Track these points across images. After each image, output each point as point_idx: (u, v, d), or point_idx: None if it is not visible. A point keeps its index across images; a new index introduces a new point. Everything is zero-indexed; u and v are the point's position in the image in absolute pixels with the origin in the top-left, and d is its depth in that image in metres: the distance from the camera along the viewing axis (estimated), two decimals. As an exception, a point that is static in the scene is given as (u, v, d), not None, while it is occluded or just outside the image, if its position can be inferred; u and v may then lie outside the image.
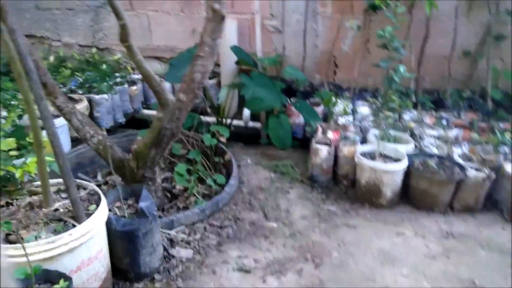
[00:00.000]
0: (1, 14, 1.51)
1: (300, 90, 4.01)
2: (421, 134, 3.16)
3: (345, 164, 3.02)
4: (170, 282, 2.21)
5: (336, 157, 3.07)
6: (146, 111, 4.35)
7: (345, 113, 3.45)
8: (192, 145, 3.35)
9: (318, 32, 4.06)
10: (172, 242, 2.50)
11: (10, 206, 2.03)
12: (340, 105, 3.55)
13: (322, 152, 3.00)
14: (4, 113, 2.96)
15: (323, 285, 2.17)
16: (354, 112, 3.59)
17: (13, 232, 1.79)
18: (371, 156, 2.90)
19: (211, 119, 3.89)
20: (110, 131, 3.82)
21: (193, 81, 2.35)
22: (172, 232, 2.57)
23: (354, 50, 3.94)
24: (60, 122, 3.09)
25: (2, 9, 1.46)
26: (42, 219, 1.90)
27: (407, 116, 3.49)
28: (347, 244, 2.49)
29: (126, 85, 4.11)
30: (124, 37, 1.73)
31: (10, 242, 1.77)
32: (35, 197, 2.10)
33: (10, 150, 2.29)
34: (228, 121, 3.89)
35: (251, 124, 4.15)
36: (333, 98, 3.52)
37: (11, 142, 2.26)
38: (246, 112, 4.11)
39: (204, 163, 3.25)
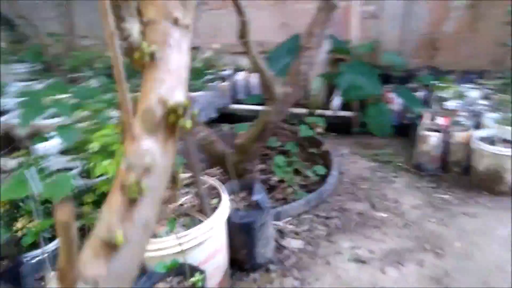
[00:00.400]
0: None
1: (396, 76, 3.83)
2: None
3: (458, 150, 2.83)
4: (285, 273, 2.24)
5: (446, 143, 2.88)
6: (235, 106, 4.46)
7: (458, 97, 3.21)
8: (287, 137, 3.37)
9: (418, 15, 3.84)
10: (281, 233, 2.53)
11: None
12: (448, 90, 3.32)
13: (432, 139, 2.84)
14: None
15: (448, 276, 2.06)
16: (461, 96, 3.35)
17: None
18: (489, 141, 2.68)
19: (301, 110, 3.88)
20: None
21: (299, 73, 2.34)
22: (281, 224, 2.61)
23: (458, 31, 3.67)
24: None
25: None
26: (171, 214, 2.02)
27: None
28: (469, 233, 2.33)
29: (217, 82, 4.24)
30: (243, 33, 1.77)
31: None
32: (161, 192, 2.24)
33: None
34: (320, 111, 3.85)
35: (341, 113, 4.07)
36: (445, 83, 3.28)
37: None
38: (337, 101, 4.03)
39: (300, 154, 3.25)
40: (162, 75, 0.35)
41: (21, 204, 1.88)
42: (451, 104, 3.21)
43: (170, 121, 0.35)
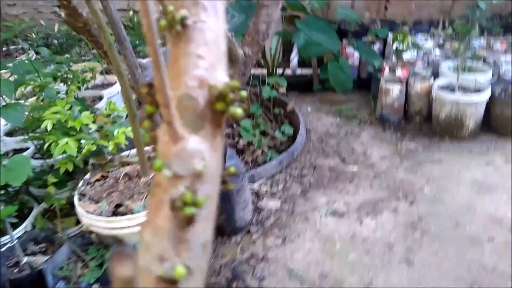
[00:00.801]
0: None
1: (351, 31, 3.83)
2: (496, 61, 3.00)
3: (418, 100, 2.92)
4: (266, 232, 2.24)
5: (407, 94, 2.96)
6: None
7: (413, 47, 3.25)
8: (250, 99, 3.30)
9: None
10: (258, 195, 2.52)
11: (107, 179, 2.05)
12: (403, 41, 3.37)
13: (393, 91, 2.90)
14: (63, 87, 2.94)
15: (422, 220, 2.16)
16: (416, 46, 3.42)
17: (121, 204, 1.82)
18: (448, 89, 2.78)
19: (259, 71, 3.80)
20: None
21: (258, 33, 2.24)
22: (256, 186, 2.58)
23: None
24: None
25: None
26: (144, 189, 1.92)
27: (475, 44, 3.30)
28: (437, 179, 2.45)
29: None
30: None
31: (120, 214, 1.79)
32: (127, 168, 2.11)
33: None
34: (279, 71, 3.79)
35: (299, 71, 4.05)
36: (401, 34, 3.31)
37: (89, 115, 2.24)
38: (295, 59, 3.99)
39: (264, 116, 3.21)
40: (198, 49, 0.26)
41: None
42: (408, 56, 3.27)
43: (217, 110, 0.27)
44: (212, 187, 0.28)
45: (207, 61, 0.29)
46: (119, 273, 0.21)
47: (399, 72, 2.96)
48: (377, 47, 3.58)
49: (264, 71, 3.77)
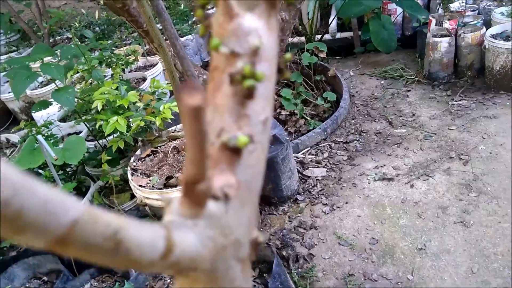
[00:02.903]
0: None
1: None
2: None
3: (469, 53, 2.72)
4: (314, 201, 2.24)
5: (456, 48, 2.77)
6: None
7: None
8: (290, 68, 3.24)
9: None
10: (303, 164, 2.50)
11: (157, 154, 2.12)
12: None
13: (442, 44, 2.72)
14: (109, 71, 3.04)
15: (478, 180, 2.05)
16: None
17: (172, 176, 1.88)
18: (503, 37, 2.56)
19: (297, 39, 3.71)
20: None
21: (293, -5, 2.18)
22: (300, 155, 2.57)
23: None
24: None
25: None
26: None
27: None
28: (492, 136, 2.30)
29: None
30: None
31: (171, 186, 1.86)
32: (175, 142, 2.17)
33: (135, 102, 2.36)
34: (318, 36, 3.67)
35: (339, 35, 3.91)
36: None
37: (135, 94, 2.31)
38: (333, 23, 3.84)
39: (305, 84, 3.14)
40: None
41: (41, 172, 1.81)
42: (455, 5, 3.04)
43: None
44: (269, 67, 0.28)
45: None
46: (188, 102, 0.21)
47: (447, 24, 2.76)
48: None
49: (303, 38, 3.68)
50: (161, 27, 1.62)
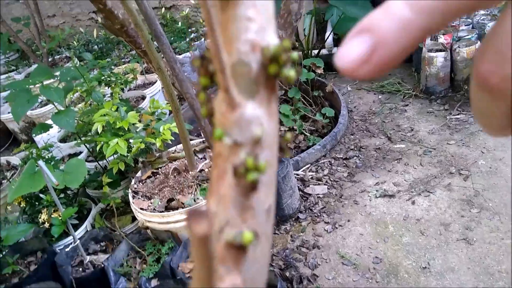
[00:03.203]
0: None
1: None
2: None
3: (465, 67, 2.75)
4: (316, 219, 2.23)
5: (452, 62, 2.80)
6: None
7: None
8: (287, 84, 3.26)
9: None
10: (303, 181, 2.50)
11: (158, 175, 2.12)
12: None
13: (438, 59, 2.75)
14: (108, 90, 3.05)
15: (479, 195, 2.06)
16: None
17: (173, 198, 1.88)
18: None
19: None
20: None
21: (290, 13, 2.20)
22: (301, 172, 2.57)
23: None
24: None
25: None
26: (193, 182, 1.97)
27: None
28: (492, 150, 2.31)
29: (203, 39, 4.05)
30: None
31: (172, 208, 1.85)
32: (175, 163, 2.17)
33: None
34: (315, 52, 3.71)
35: (335, 50, 3.94)
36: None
37: (135, 115, 2.32)
38: (329, 38, 3.89)
39: (303, 100, 3.16)
40: (247, 11, 0.25)
41: (42, 196, 1.81)
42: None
43: (270, 73, 0.26)
44: (271, 153, 0.28)
45: (257, 23, 0.28)
46: (195, 231, 0.22)
47: (442, 39, 2.80)
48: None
49: (300, 54, 3.71)
50: (159, 51, 1.63)
